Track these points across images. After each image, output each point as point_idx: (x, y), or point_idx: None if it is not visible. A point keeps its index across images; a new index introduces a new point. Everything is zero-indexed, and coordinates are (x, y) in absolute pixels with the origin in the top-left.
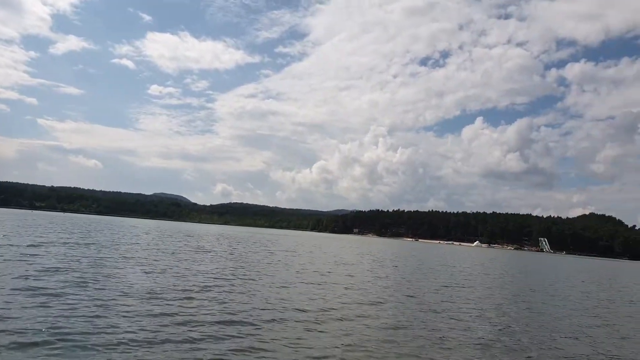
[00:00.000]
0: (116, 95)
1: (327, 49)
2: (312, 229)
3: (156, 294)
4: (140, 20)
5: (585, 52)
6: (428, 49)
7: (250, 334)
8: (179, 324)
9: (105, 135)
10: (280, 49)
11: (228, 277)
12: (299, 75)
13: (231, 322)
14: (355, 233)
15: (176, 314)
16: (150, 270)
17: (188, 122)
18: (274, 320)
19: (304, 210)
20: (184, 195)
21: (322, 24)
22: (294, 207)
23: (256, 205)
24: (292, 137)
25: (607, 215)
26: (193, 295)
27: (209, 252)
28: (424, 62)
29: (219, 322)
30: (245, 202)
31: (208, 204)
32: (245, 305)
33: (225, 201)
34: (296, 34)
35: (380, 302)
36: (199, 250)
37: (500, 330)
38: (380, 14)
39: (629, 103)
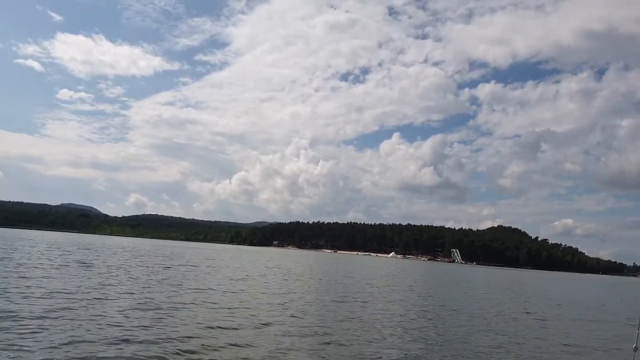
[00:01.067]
0: (19, 98)
1: (249, 60)
2: (231, 242)
3: None
4: (49, 19)
5: (495, 73)
6: (349, 64)
7: None
8: None
9: (6, 140)
10: (200, 57)
11: (86, 297)
12: (219, 84)
13: None
14: (275, 245)
15: None
16: None
17: (101, 130)
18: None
19: (223, 222)
20: (94, 206)
21: (244, 34)
22: (213, 219)
23: (172, 217)
24: (211, 147)
25: (513, 227)
26: (13, 330)
27: (91, 266)
28: (344, 77)
29: None
30: (160, 213)
31: (120, 216)
32: (76, 335)
33: (139, 212)
34: (217, 43)
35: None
36: (81, 265)
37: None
38: (303, 28)
39: (533, 123)
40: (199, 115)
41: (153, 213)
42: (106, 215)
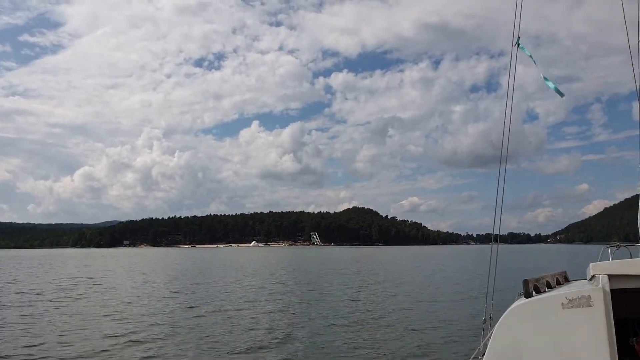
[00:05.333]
0: None
1: (89, 43)
2: (74, 245)
3: None
4: None
5: (346, 63)
6: (202, 50)
7: None
8: None
9: None
10: (26, 37)
11: None
12: (54, 69)
13: None
14: (126, 245)
15: None
16: None
17: None
18: None
19: (66, 224)
20: None
21: (81, 14)
22: (53, 222)
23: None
24: (47, 140)
25: (366, 208)
26: None
27: None
28: (199, 63)
29: None
30: None
31: None
32: None
33: None
34: (48, 23)
35: None
36: None
37: None
38: (150, 9)
39: (381, 110)
40: (30, 105)
41: None
42: None
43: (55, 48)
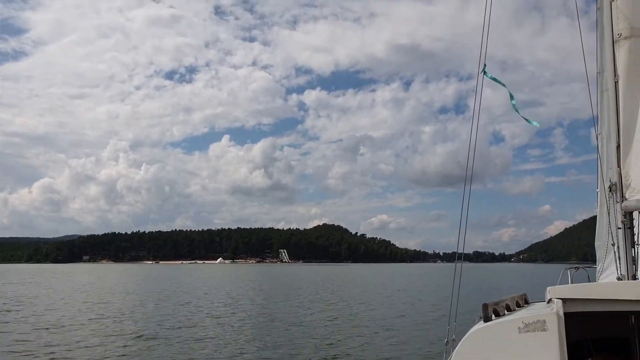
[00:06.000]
0: None
1: (54, 51)
2: (28, 260)
3: None
4: None
5: (319, 80)
6: (173, 62)
7: None
8: None
9: None
10: None
11: None
12: (15, 77)
13: None
14: (85, 260)
15: None
16: None
17: None
18: None
19: (21, 238)
20: None
21: (47, 21)
22: (7, 236)
23: None
24: (4, 150)
25: (336, 224)
26: None
27: None
28: (169, 75)
29: None
30: None
31: None
32: None
33: None
34: (10, 29)
35: None
36: None
37: None
38: (120, 20)
39: (353, 128)
40: None
41: None
42: None
43: (17, 55)
